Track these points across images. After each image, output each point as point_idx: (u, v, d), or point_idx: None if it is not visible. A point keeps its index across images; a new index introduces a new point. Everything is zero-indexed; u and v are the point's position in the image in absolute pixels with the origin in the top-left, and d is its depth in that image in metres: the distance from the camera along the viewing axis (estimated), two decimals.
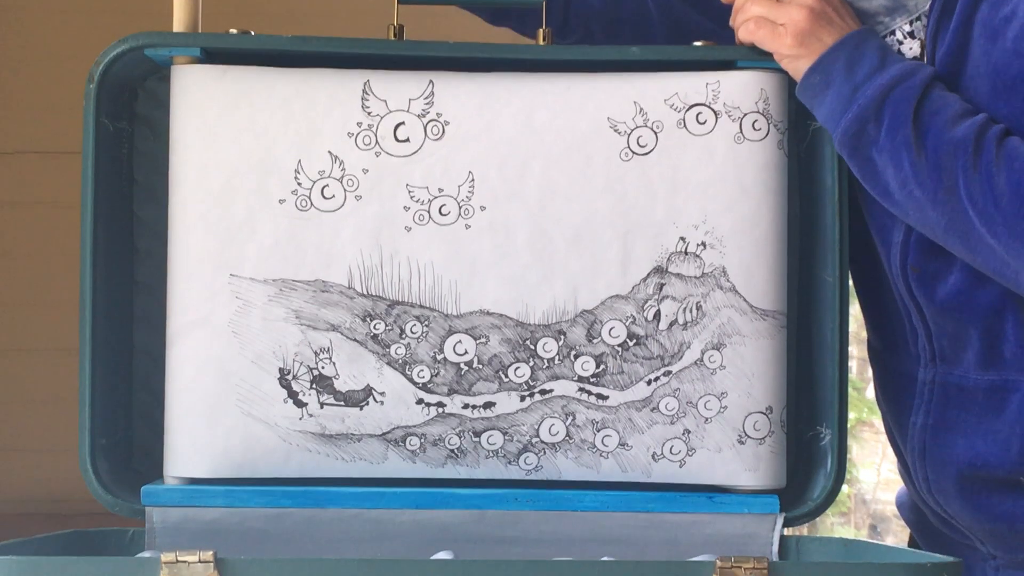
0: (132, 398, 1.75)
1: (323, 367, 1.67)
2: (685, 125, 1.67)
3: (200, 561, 1.45)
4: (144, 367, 1.75)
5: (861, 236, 1.74)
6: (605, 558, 1.63)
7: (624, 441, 1.68)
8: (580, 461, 1.69)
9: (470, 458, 1.68)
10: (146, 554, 1.63)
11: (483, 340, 1.67)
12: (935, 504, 1.74)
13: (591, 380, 1.68)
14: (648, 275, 1.67)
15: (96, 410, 1.68)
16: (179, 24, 1.69)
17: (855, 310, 1.87)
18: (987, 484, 1.68)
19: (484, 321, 1.67)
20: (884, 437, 1.84)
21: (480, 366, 1.67)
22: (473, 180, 1.67)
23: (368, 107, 1.67)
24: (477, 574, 1.48)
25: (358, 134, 1.67)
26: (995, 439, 1.66)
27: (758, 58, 1.68)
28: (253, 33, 1.68)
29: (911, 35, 1.68)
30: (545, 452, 1.68)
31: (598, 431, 1.68)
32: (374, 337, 1.67)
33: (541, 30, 1.72)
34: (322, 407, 1.67)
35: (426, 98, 1.67)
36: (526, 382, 1.68)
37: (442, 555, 1.61)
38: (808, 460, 1.74)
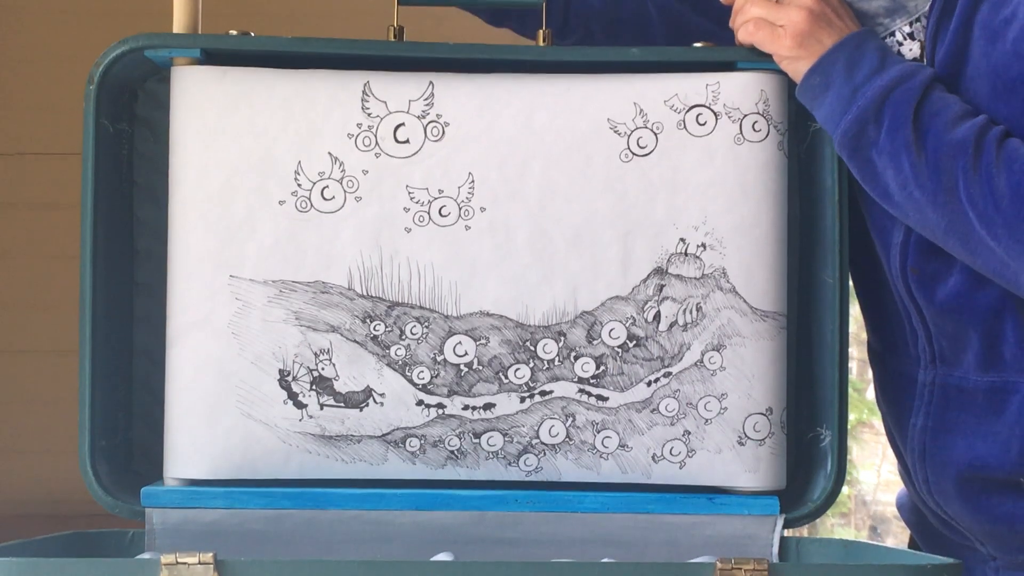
0: (132, 399, 1.75)
1: (323, 368, 1.67)
2: (685, 126, 1.67)
3: (200, 562, 1.45)
4: (144, 368, 1.75)
5: (861, 237, 1.74)
6: (605, 559, 1.63)
7: (624, 442, 1.68)
8: (580, 462, 1.69)
9: (470, 459, 1.68)
10: (146, 555, 1.63)
11: (483, 341, 1.67)
12: (935, 505, 1.73)
13: (591, 381, 1.68)
14: (648, 276, 1.67)
15: (96, 411, 1.67)
16: (179, 25, 1.69)
17: (855, 311, 1.87)
18: (987, 485, 1.68)
19: (484, 322, 1.67)
20: (884, 438, 1.84)
21: (480, 367, 1.67)
22: (473, 181, 1.67)
23: (368, 108, 1.67)
24: (477, 575, 1.48)
25: (358, 135, 1.67)
26: (995, 440, 1.66)
27: (758, 59, 1.68)
28: (253, 34, 1.68)
29: (911, 36, 1.68)
30: (545, 453, 1.68)
31: (598, 432, 1.68)
32: (374, 338, 1.67)
33: (541, 31, 1.72)
34: (322, 408, 1.67)
35: (426, 99, 1.67)
36: (526, 383, 1.68)
37: (442, 556, 1.61)
38: (808, 461, 1.74)
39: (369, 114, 1.67)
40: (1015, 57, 1.58)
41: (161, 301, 1.70)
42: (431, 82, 1.67)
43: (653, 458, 1.68)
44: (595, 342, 1.67)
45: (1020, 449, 1.65)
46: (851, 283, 1.79)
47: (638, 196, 1.67)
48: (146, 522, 1.66)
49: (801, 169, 1.75)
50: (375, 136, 1.67)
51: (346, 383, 1.67)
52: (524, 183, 1.67)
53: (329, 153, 1.66)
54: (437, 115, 1.67)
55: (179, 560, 1.45)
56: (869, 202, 1.69)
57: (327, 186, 1.66)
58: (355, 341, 1.67)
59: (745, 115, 1.67)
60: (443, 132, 1.67)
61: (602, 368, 1.68)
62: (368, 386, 1.67)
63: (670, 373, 1.67)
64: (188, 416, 1.67)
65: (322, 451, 1.67)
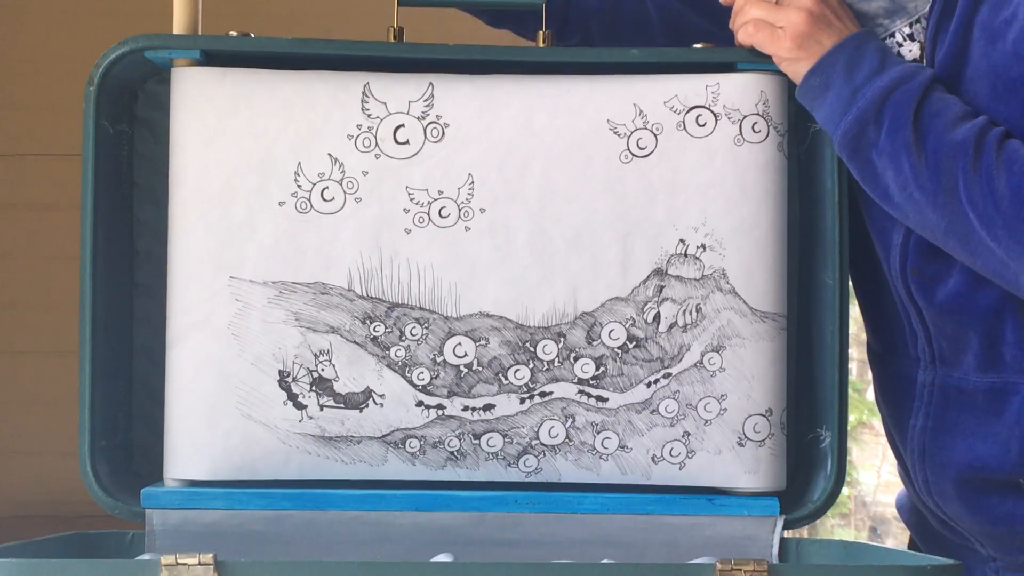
0: (132, 400, 1.75)
1: (323, 369, 1.67)
2: (685, 127, 1.67)
3: (200, 563, 1.45)
4: (144, 369, 1.75)
5: (861, 238, 1.74)
6: (605, 560, 1.63)
7: (624, 443, 1.68)
8: (580, 463, 1.69)
9: (470, 460, 1.68)
10: (146, 556, 1.63)
11: (483, 342, 1.67)
12: (935, 506, 1.73)
13: (591, 382, 1.68)
14: (648, 277, 1.67)
15: (96, 412, 1.68)
16: (179, 26, 1.69)
17: (855, 312, 1.87)
18: (987, 486, 1.68)
19: (484, 323, 1.67)
20: (884, 439, 1.84)
21: (480, 368, 1.67)
22: (473, 182, 1.67)
23: (368, 109, 1.67)
24: None
25: (358, 136, 1.67)
26: (995, 441, 1.66)
27: (758, 60, 1.68)
28: (253, 35, 1.68)
29: (911, 37, 1.68)
30: (545, 454, 1.68)
31: (598, 433, 1.68)
32: (374, 339, 1.67)
33: (541, 32, 1.72)
34: (322, 409, 1.67)
35: (426, 100, 1.67)
36: (526, 384, 1.68)
37: (442, 557, 1.61)
38: (808, 462, 1.74)
39: (369, 115, 1.67)
40: (1015, 58, 1.58)
41: (161, 302, 1.70)
42: (431, 83, 1.67)
43: (653, 459, 1.68)
44: (595, 343, 1.67)
45: (1020, 450, 1.65)
46: (851, 284, 1.79)
47: (638, 197, 1.67)
48: (146, 523, 1.66)
49: (801, 170, 1.75)
50: (375, 137, 1.67)
51: (346, 384, 1.67)
52: (524, 184, 1.67)
53: (329, 154, 1.66)
54: (437, 116, 1.67)
55: (179, 561, 1.45)
56: (869, 203, 1.69)
57: (327, 187, 1.67)
58: (355, 342, 1.67)
59: (745, 116, 1.67)
60: (443, 133, 1.67)
61: (602, 369, 1.68)
62: (368, 387, 1.67)
63: (670, 374, 1.67)
64: (188, 417, 1.67)
65: (322, 452, 1.67)
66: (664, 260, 1.67)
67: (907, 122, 1.58)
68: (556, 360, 1.67)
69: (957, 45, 1.63)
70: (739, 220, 1.67)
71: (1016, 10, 1.59)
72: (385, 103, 1.67)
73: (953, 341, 1.68)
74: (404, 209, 1.67)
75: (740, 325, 1.67)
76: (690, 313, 1.67)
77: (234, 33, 1.67)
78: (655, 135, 1.67)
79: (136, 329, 1.75)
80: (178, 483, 1.68)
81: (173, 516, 1.66)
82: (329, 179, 1.66)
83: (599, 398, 1.68)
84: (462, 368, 1.67)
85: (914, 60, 1.67)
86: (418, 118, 1.67)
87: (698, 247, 1.67)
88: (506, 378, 1.67)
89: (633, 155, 1.67)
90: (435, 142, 1.67)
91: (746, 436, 1.68)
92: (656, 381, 1.68)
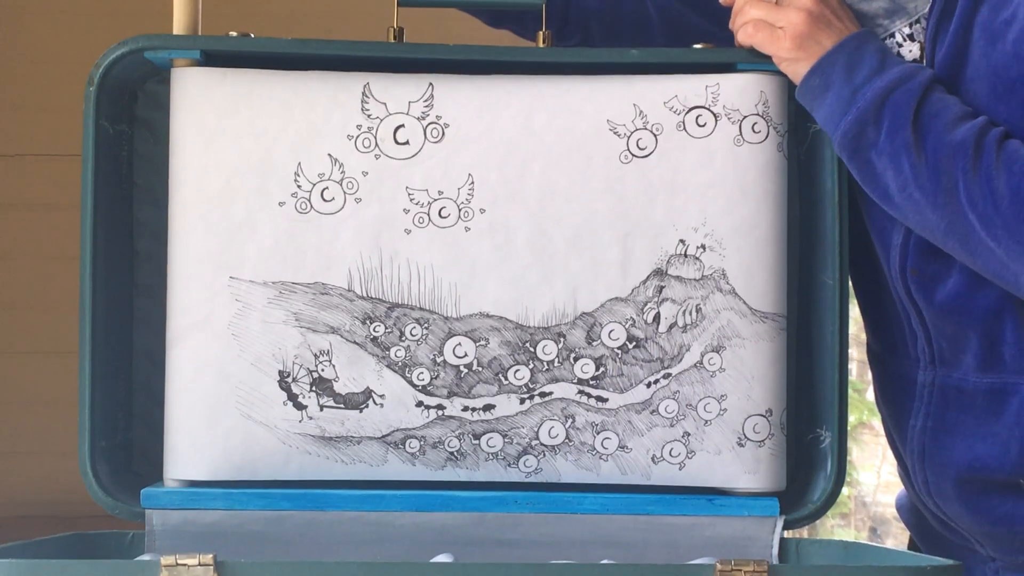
0: (132, 400, 1.75)
1: (323, 369, 1.67)
2: (685, 127, 1.67)
3: (200, 564, 1.45)
4: (144, 369, 1.75)
5: (861, 239, 1.74)
6: (605, 561, 1.63)
7: (624, 443, 1.68)
8: (580, 463, 1.69)
9: (470, 460, 1.68)
10: (146, 557, 1.63)
11: (483, 343, 1.67)
12: (935, 507, 1.73)
13: (591, 383, 1.68)
14: (648, 277, 1.67)
15: (96, 412, 1.68)
16: (179, 27, 1.69)
17: (855, 312, 1.87)
18: (986, 486, 1.68)
19: (484, 323, 1.67)
20: (884, 439, 1.84)
21: (480, 368, 1.67)
22: (473, 182, 1.67)
23: (368, 110, 1.67)
24: None
25: (358, 136, 1.67)
26: (994, 442, 1.66)
27: (758, 60, 1.67)
28: (253, 35, 1.68)
29: (910, 38, 1.68)
30: (545, 454, 1.68)
31: (598, 433, 1.68)
32: (374, 339, 1.67)
33: (541, 32, 1.72)
34: (322, 409, 1.67)
35: (426, 100, 1.67)
36: (526, 384, 1.68)
37: (442, 558, 1.61)
38: (808, 462, 1.74)
39: (369, 115, 1.67)
40: (1015, 58, 1.58)
41: (161, 302, 1.70)
42: (431, 83, 1.67)
43: (653, 459, 1.68)
44: (595, 343, 1.67)
45: (1019, 450, 1.65)
46: (851, 284, 1.79)
47: (638, 197, 1.67)
48: (146, 523, 1.66)
49: (801, 170, 1.75)
50: (375, 137, 1.67)
51: (346, 384, 1.67)
52: (524, 184, 1.67)
53: (329, 154, 1.66)
54: (437, 116, 1.67)
55: (179, 561, 1.45)
56: (869, 203, 1.69)
57: (327, 187, 1.66)
58: (355, 342, 1.67)
59: (745, 116, 1.67)
60: (443, 133, 1.67)
61: (602, 369, 1.68)
62: (368, 387, 1.67)
63: (669, 374, 1.67)
64: (188, 417, 1.67)
65: (322, 452, 1.67)
66: (664, 260, 1.67)
67: (907, 122, 1.58)
68: (556, 360, 1.67)
69: (957, 45, 1.63)
70: (739, 220, 1.67)
71: (1016, 11, 1.59)
72: (385, 103, 1.67)
73: (953, 341, 1.68)
74: (404, 209, 1.67)
75: (740, 325, 1.67)
76: (690, 313, 1.67)
77: (234, 33, 1.67)
78: (655, 135, 1.67)
79: (136, 329, 1.75)
80: (178, 483, 1.68)
81: (173, 516, 1.66)
82: (329, 179, 1.66)
83: (599, 398, 1.68)
84: (462, 368, 1.67)
85: (914, 60, 1.67)
86: (418, 118, 1.67)
87: (698, 247, 1.67)
88: (506, 378, 1.67)
89: (633, 155, 1.67)
90: (435, 142, 1.67)
91: (746, 436, 1.68)
92: (656, 381, 1.68)
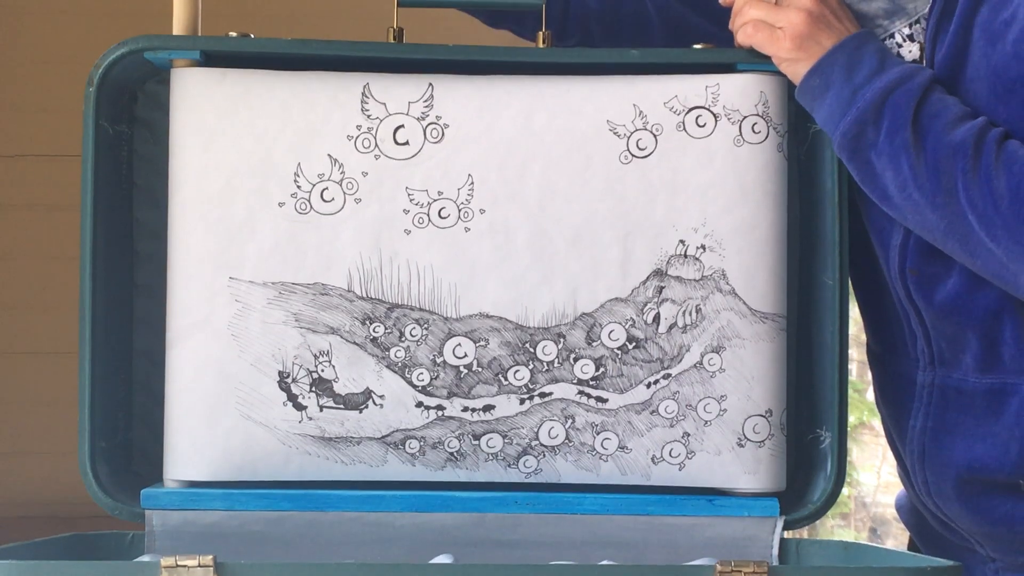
0: (132, 400, 1.75)
1: (322, 370, 1.67)
2: (684, 128, 1.67)
3: (200, 565, 1.45)
4: (144, 369, 1.75)
5: (860, 239, 1.74)
6: (605, 561, 1.63)
7: (623, 444, 1.68)
8: (579, 464, 1.69)
9: (469, 461, 1.68)
10: (145, 558, 1.63)
11: (483, 343, 1.67)
12: (934, 507, 1.73)
13: (590, 383, 1.68)
14: (648, 278, 1.67)
15: (96, 413, 1.68)
16: (179, 27, 1.69)
17: (855, 313, 1.87)
18: (986, 487, 1.68)
19: (484, 324, 1.67)
20: (884, 439, 1.84)
21: (480, 369, 1.67)
22: (472, 183, 1.67)
23: (367, 110, 1.67)
24: None
25: (357, 137, 1.67)
26: (994, 442, 1.66)
27: (758, 61, 1.67)
28: (253, 36, 1.68)
29: (910, 38, 1.68)
30: (544, 455, 1.68)
31: (597, 434, 1.68)
32: (373, 340, 1.67)
33: (540, 32, 1.72)
34: (321, 410, 1.67)
35: (425, 101, 1.67)
36: (525, 385, 1.68)
37: (442, 558, 1.61)
38: (808, 463, 1.74)
39: (368, 116, 1.67)
40: (1015, 59, 1.58)
41: (161, 302, 1.70)
42: (431, 84, 1.67)
43: (652, 460, 1.68)
44: (594, 344, 1.67)
45: (1019, 451, 1.65)
46: (851, 284, 1.79)
47: (638, 198, 1.67)
48: (146, 524, 1.66)
49: (801, 171, 1.75)
50: (374, 138, 1.67)
51: (345, 385, 1.67)
52: (524, 184, 1.67)
53: (328, 155, 1.66)
54: (436, 117, 1.67)
55: (179, 563, 1.45)
56: (868, 204, 1.69)
57: (327, 188, 1.66)
58: (355, 343, 1.67)
59: (745, 117, 1.67)
60: (442, 134, 1.67)
61: (601, 370, 1.68)
62: (367, 388, 1.67)
63: (669, 375, 1.67)
64: (188, 418, 1.67)
65: (322, 453, 1.67)
66: (664, 261, 1.67)
67: (906, 123, 1.58)
68: (556, 361, 1.67)
69: (957, 46, 1.63)
70: (739, 221, 1.67)
71: (1016, 11, 1.59)
72: (385, 104, 1.67)
73: (952, 342, 1.68)
74: (404, 210, 1.67)
75: (740, 326, 1.67)
76: (690, 314, 1.67)
77: (234, 34, 1.67)
78: (655, 136, 1.67)
79: (136, 329, 1.75)
80: (178, 484, 1.68)
81: (173, 517, 1.66)
82: (329, 180, 1.66)
83: (599, 399, 1.68)
84: (462, 369, 1.67)
85: (914, 61, 1.67)
86: (418, 119, 1.67)
87: (698, 248, 1.67)
88: (506, 379, 1.67)
89: (633, 156, 1.67)
90: (435, 143, 1.67)
91: (746, 437, 1.68)
92: (656, 382, 1.68)
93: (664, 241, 1.67)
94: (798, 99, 1.66)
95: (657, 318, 1.67)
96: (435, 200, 1.67)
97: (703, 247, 1.67)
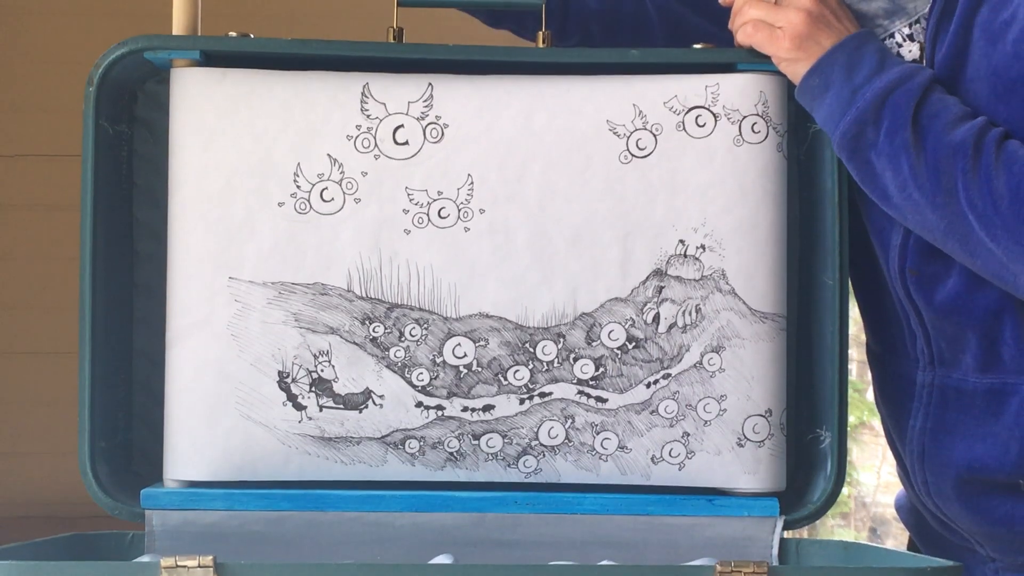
0: (132, 400, 1.75)
1: (322, 370, 1.67)
2: (684, 128, 1.67)
3: (200, 566, 1.45)
4: (143, 369, 1.75)
5: (860, 239, 1.74)
6: (604, 561, 1.63)
7: (623, 444, 1.68)
8: (579, 464, 1.68)
9: (469, 461, 1.68)
10: (145, 558, 1.63)
11: (482, 343, 1.67)
12: (934, 507, 1.73)
13: (590, 383, 1.68)
14: (647, 278, 1.67)
15: (96, 412, 1.67)
16: (178, 27, 1.69)
17: (855, 313, 1.87)
18: (986, 487, 1.68)
19: (483, 324, 1.67)
20: (884, 439, 1.84)
21: (479, 369, 1.67)
22: (472, 183, 1.67)
23: (367, 110, 1.67)
24: None
25: (357, 137, 1.67)
26: (994, 442, 1.66)
27: (758, 61, 1.67)
28: (253, 36, 1.68)
29: (910, 38, 1.68)
30: (544, 455, 1.68)
31: (597, 434, 1.68)
32: (373, 340, 1.67)
33: (540, 32, 1.72)
34: (321, 410, 1.67)
35: (425, 101, 1.67)
36: (525, 385, 1.68)
37: (442, 558, 1.61)
38: (808, 463, 1.74)
39: (368, 116, 1.67)
40: (1015, 59, 1.58)
41: (161, 302, 1.70)
42: (430, 84, 1.67)
43: (652, 459, 1.68)
44: (594, 344, 1.67)
45: (1019, 451, 1.65)
46: (851, 284, 1.79)
47: (637, 198, 1.67)
48: (146, 524, 1.66)
49: (801, 171, 1.75)
50: (374, 138, 1.67)
51: (345, 385, 1.67)
52: (523, 184, 1.67)
53: (328, 155, 1.66)
54: (436, 116, 1.67)
55: (179, 563, 1.45)
56: (868, 204, 1.69)
57: (326, 188, 1.66)
58: (354, 343, 1.67)
59: (744, 116, 1.67)
60: (442, 134, 1.67)
61: (601, 370, 1.68)
62: (367, 388, 1.67)
63: (669, 375, 1.67)
64: (188, 418, 1.67)
65: (321, 453, 1.67)
66: (664, 261, 1.67)
67: (906, 123, 1.58)
68: (555, 361, 1.67)
69: (957, 46, 1.63)
70: (739, 221, 1.67)
71: (1016, 11, 1.59)
72: (384, 104, 1.67)
73: (952, 342, 1.68)
74: (403, 210, 1.67)
75: (740, 326, 1.67)
76: (689, 314, 1.67)
77: (234, 34, 1.67)
78: (655, 135, 1.67)
79: (136, 329, 1.75)
80: (178, 484, 1.68)
81: (173, 517, 1.66)
82: (328, 180, 1.66)
83: (598, 399, 1.68)
84: (461, 369, 1.67)
85: (913, 61, 1.67)
86: (417, 118, 1.67)
87: (698, 247, 1.67)
88: (505, 379, 1.67)
89: (633, 155, 1.67)
90: (434, 143, 1.67)
91: (746, 437, 1.68)
92: (656, 382, 1.68)
93: (664, 241, 1.67)
94: (798, 99, 1.66)
95: (657, 318, 1.67)
96: (435, 200, 1.67)
97: (703, 247, 1.67)
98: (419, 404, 1.67)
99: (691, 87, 1.67)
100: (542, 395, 1.68)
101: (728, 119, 1.67)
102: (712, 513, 1.67)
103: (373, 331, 1.67)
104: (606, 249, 1.67)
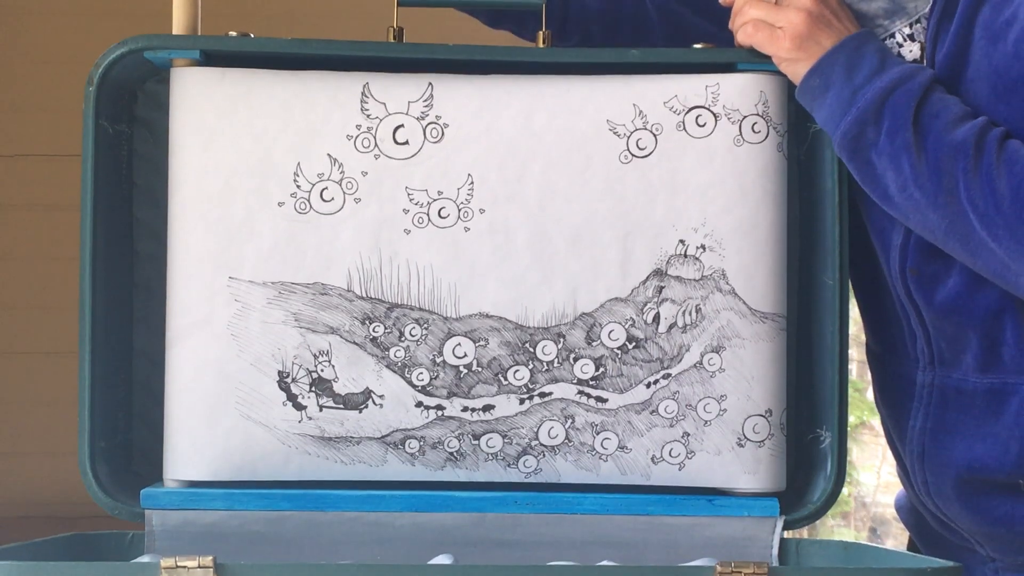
0: (131, 400, 1.75)
1: (322, 370, 1.67)
2: (684, 127, 1.67)
3: (200, 566, 1.45)
4: (143, 369, 1.75)
5: (860, 239, 1.74)
6: (604, 561, 1.63)
7: (623, 444, 1.68)
8: (579, 464, 1.68)
9: (469, 461, 1.68)
10: (145, 558, 1.63)
11: (482, 343, 1.67)
12: (934, 507, 1.73)
13: (590, 383, 1.68)
14: (647, 278, 1.67)
15: (95, 412, 1.67)
16: (178, 27, 1.69)
17: (855, 313, 1.87)
18: (986, 487, 1.68)
19: (483, 324, 1.67)
20: (884, 439, 1.85)
21: (479, 369, 1.67)
22: (472, 182, 1.67)
23: (367, 109, 1.67)
24: None
25: (357, 136, 1.67)
26: (994, 442, 1.66)
27: (758, 60, 1.67)
28: (252, 35, 1.68)
29: (911, 38, 1.68)
30: (544, 455, 1.68)
31: (597, 434, 1.68)
32: (373, 340, 1.67)
33: (540, 32, 1.72)
34: (321, 410, 1.67)
35: (425, 100, 1.67)
36: (525, 385, 1.67)
37: (442, 559, 1.61)
38: (808, 463, 1.74)
39: (368, 115, 1.67)
40: (1016, 58, 1.58)
41: (161, 302, 1.70)
42: (430, 83, 1.67)
43: (652, 459, 1.68)
44: (594, 344, 1.67)
45: (1019, 451, 1.65)
46: (851, 284, 1.79)
47: (637, 197, 1.67)
48: (146, 524, 1.66)
49: (801, 171, 1.75)
50: (374, 137, 1.67)
51: (345, 385, 1.67)
52: (523, 184, 1.67)
53: (328, 154, 1.66)
54: (436, 116, 1.67)
55: (179, 563, 1.45)
56: (869, 204, 1.69)
57: (326, 187, 1.66)
58: (354, 343, 1.67)
59: (745, 116, 1.67)
60: (442, 133, 1.67)
61: (601, 370, 1.68)
62: (367, 388, 1.67)
63: (669, 375, 1.67)
64: (188, 417, 1.67)
65: (321, 453, 1.67)
66: (664, 261, 1.67)
67: (907, 123, 1.58)
68: (556, 361, 1.67)
69: (958, 45, 1.63)
70: (739, 220, 1.67)
71: (1017, 11, 1.59)
72: (384, 103, 1.67)
73: (952, 342, 1.68)
74: (403, 209, 1.67)
75: (740, 326, 1.67)
76: (690, 314, 1.67)
77: (233, 33, 1.67)
78: (655, 135, 1.67)
79: (136, 329, 1.75)
80: (178, 484, 1.68)
81: (173, 517, 1.66)
82: (328, 179, 1.66)
83: (599, 399, 1.68)
84: (461, 369, 1.67)
85: (914, 60, 1.67)
86: (417, 118, 1.67)
87: (698, 247, 1.67)
88: (505, 379, 1.67)
89: (633, 155, 1.67)
90: (434, 142, 1.67)
91: (746, 437, 1.68)
92: (656, 382, 1.67)
93: (664, 241, 1.67)
94: (798, 99, 1.66)
95: (657, 318, 1.67)
96: (435, 200, 1.67)
97: (703, 247, 1.67)
98: (419, 404, 1.67)
99: (691, 87, 1.67)
100: (542, 395, 1.68)
101: (728, 119, 1.67)
102: (712, 513, 1.67)
103: (373, 331, 1.67)
104: (606, 249, 1.67)
